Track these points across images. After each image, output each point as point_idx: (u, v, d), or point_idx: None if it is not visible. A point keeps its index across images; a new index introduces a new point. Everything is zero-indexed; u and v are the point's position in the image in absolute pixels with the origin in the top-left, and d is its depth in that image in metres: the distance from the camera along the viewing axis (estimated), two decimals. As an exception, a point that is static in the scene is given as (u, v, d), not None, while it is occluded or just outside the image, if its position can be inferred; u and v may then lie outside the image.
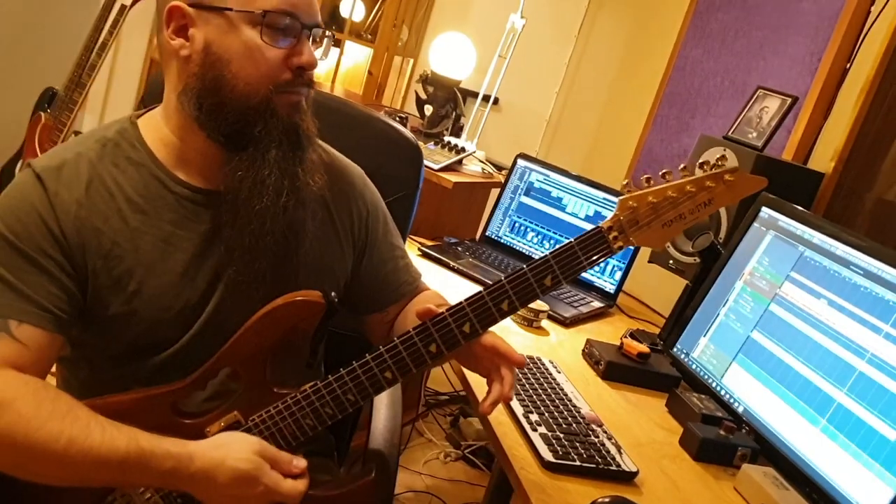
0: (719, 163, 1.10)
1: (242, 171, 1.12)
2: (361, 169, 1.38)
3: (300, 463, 1.08)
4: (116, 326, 1.12)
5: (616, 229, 1.10)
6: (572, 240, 1.10)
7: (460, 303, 1.11)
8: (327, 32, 1.17)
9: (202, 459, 1.02)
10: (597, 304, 2.12)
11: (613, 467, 1.26)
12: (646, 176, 1.11)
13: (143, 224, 1.12)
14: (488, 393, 1.17)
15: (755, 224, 1.72)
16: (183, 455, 1.02)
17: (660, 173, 1.11)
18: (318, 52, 1.16)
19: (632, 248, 2.17)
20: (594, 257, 1.10)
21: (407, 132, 1.65)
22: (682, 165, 1.11)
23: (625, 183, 1.12)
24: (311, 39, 1.13)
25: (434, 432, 3.09)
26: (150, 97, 1.52)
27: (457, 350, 1.12)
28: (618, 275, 2.20)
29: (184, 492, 1.08)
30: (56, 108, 3.22)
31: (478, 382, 1.36)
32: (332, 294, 1.12)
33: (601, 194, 2.26)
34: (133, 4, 3.14)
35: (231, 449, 1.04)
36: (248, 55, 1.08)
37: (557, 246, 1.10)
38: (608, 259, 2.19)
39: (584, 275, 2.23)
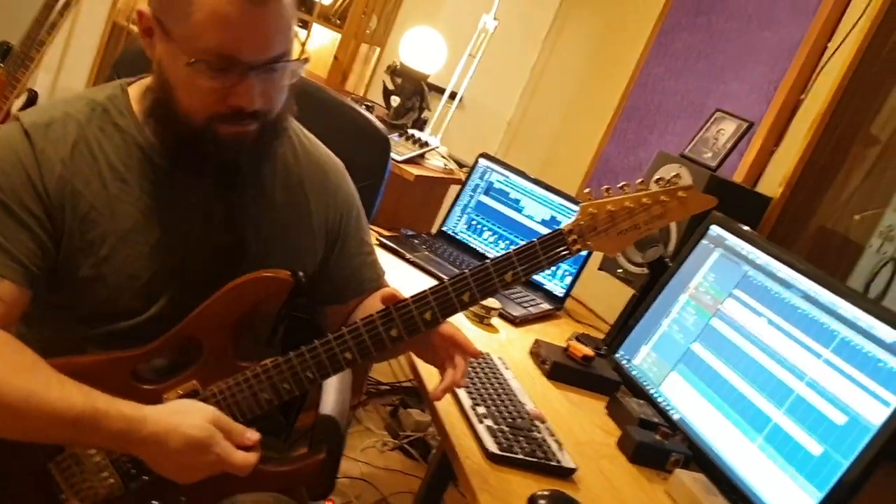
0: (674, 180, 1.16)
1: (181, 191, 1.16)
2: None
3: (253, 436, 1.11)
4: (83, 289, 1.12)
5: (576, 233, 1.16)
6: (535, 239, 1.15)
7: (424, 291, 1.15)
8: (290, 60, 1.10)
9: (155, 424, 1.03)
10: (546, 305, 2.17)
11: (554, 463, 1.31)
12: (605, 186, 1.18)
13: (122, 192, 1.13)
14: (441, 380, 1.21)
15: (703, 241, 1.79)
16: (137, 418, 1.03)
17: (618, 185, 1.18)
18: (286, 77, 1.12)
19: (583, 254, 2.23)
20: (554, 257, 1.15)
21: (377, 122, 1.68)
22: (639, 179, 1.18)
23: (586, 191, 1.18)
24: (264, 71, 1.09)
25: (373, 421, 3.12)
26: (123, 65, 1.52)
27: (416, 336, 1.16)
28: (568, 279, 2.26)
29: (134, 456, 1.09)
30: (10, 63, 3.16)
31: (429, 372, 1.39)
32: (301, 274, 1.14)
33: (558, 200, 2.31)
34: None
35: (186, 415, 1.06)
36: (187, 87, 1.08)
37: (520, 244, 1.15)
38: (563, 262, 2.25)
39: (535, 277, 2.29)
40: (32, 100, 3.06)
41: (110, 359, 1.11)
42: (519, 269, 1.14)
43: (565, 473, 1.32)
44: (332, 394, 1.51)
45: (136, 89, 1.19)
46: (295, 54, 1.13)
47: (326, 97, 1.66)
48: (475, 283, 1.14)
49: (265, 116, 1.13)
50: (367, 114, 1.67)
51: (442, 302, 1.14)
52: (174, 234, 1.16)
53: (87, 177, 1.11)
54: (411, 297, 1.15)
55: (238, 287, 1.13)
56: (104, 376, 1.08)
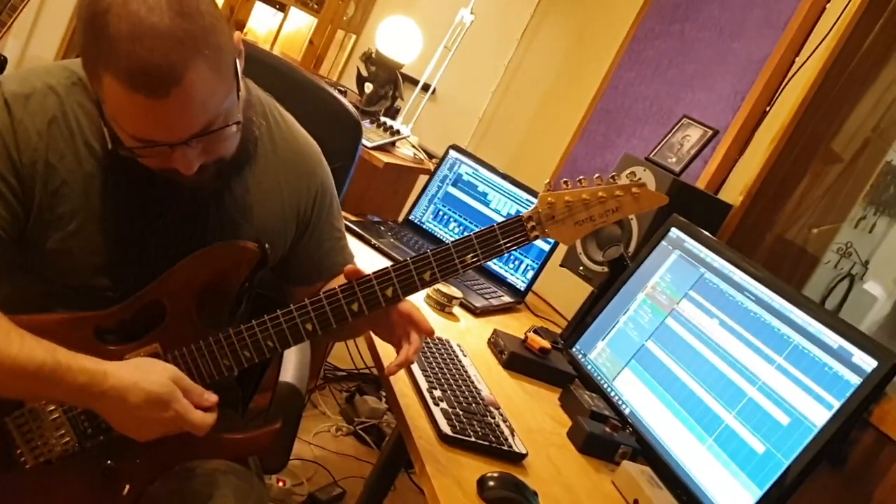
0: (629, 177, 1.21)
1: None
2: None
3: (211, 397, 1.12)
4: (49, 260, 1.13)
5: (535, 220, 1.20)
6: (495, 224, 1.19)
7: (386, 268, 1.17)
8: (219, 127, 1.05)
9: (116, 378, 1.04)
10: (507, 298, 2.20)
11: (505, 447, 1.34)
12: (564, 179, 1.22)
13: (95, 169, 1.13)
14: (397, 356, 1.24)
15: (663, 242, 1.83)
16: (98, 371, 1.04)
17: (576, 179, 1.22)
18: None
19: (546, 250, 2.27)
20: (513, 242, 1.20)
21: (350, 106, 1.69)
22: (596, 175, 1.22)
23: (546, 182, 1.22)
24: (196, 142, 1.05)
25: (329, 406, 3.13)
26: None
27: (376, 312, 1.18)
28: (530, 274, 2.29)
29: (91, 411, 1.10)
30: (-19, 26, 3.11)
31: (387, 352, 1.41)
32: (266, 246, 1.15)
33: (525, 195, 2.34)
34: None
35: (147, 372, 1.07)
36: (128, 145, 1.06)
37: (481, 228, 1.19)
38: (524, 254, 2.28)
39: (498, 270, 2.32)
40: (1, 65, 3.02)
41: (74, 318, 1.12)
42: (479, 252, 1.17)
43: (516, 458, 1.35)
44: (291, 370, 1.52)
45: None
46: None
47: (300, 77, 1.67)
48: (436, 262, 1.17)
49: (219, 164, 1.12)
50: (339, 97, 1.68)
51: (403, 279, 1.17)
52: (146, 215, 1.16)
53: (62, 151, 1.11)
54: (374, 272, 1.17)
55: (205, 253, 1.14)
56: (67, 334, 1.08)
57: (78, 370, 1.02)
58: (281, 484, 2.49)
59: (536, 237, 1.20)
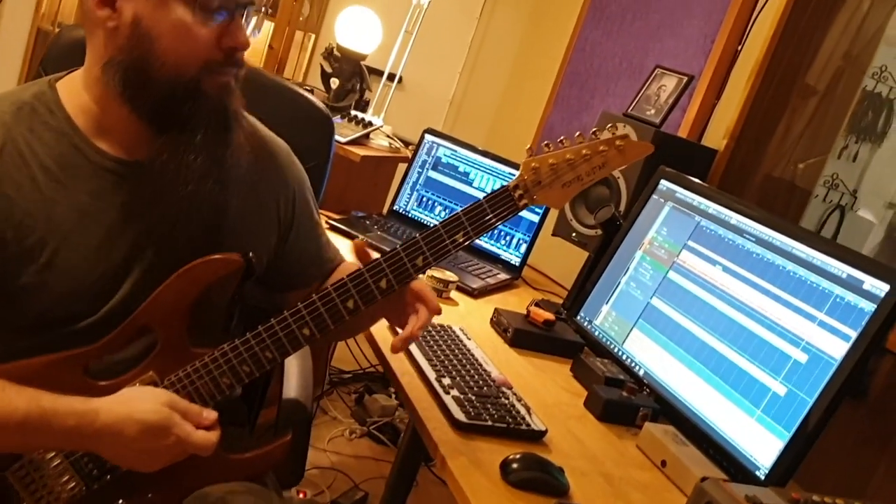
0: (610, 130, 1.17)
1: (168, 154, 1.09)
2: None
3: (210, 415, 1.07)
4: (26, 297, 1.07)
5: (521, 188, 1.17)
6: (482, 198, 1.14)
7: (377, 259, 1.13)
8: (261, 8, 1.15)
9: (108, 414, 1.00)
10: (503, 275, 2.16)
11: (523, 427, 1.30)
12: (546, 142, 1.18)
13: (57, 193, 1.07)
14: (403, 331, 1.19)
15: (654, 196, 1.79)
16: (87, 411, 0.99)
17: (558, 140, 1.18)
18: (249, 29, 1.14)
19: (535, 222, 2.23)
20: (502, 214, 1.16)
21: (317, 101, 1.64)
22: (577, 133, 1.18)
23: (527, 148, 1.18)
24: (244, 17, 1.10)
25: (339, 410, 3.09)
26: (51, 61, 1.45)
27: (373, 305, 1.14)
28: (523, 247, 2.25)
29: (93, 453, 1.05)
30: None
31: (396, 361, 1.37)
32: (251, 254, 1.11)
33: (507, 169, 2.30)
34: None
35: (138, 401, 1.02)
36: (178, 33, 1.04)
37: (468, 204, 1.14)
38: (514, 228, 2.24)
39: (490, 248, 2.28)
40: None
41: (60, 358, 1.07)
42: (469, 229, 1.13)
43: (536, 436, 1.31)
44: (293, 380, 1.48)
45: (65, 84, 1.13)
46: None
47: (264, 80, 1.62)
48: (427, 246, 1.13)
49: (243, 65, 1.12)
50: (307, 94, 1.63)
51: (396, 268, 1.12)
52: (117, 230, 1.11)
53: (18, 181, 1.06)
54: (365, 265, 1.13)
55: (188, 271, 1.09)
56: (55, 376, 1.04)
57: (66, 413, 0.98)
58: (302, 496, 2.46)
59: (525, 205, 1.16)
